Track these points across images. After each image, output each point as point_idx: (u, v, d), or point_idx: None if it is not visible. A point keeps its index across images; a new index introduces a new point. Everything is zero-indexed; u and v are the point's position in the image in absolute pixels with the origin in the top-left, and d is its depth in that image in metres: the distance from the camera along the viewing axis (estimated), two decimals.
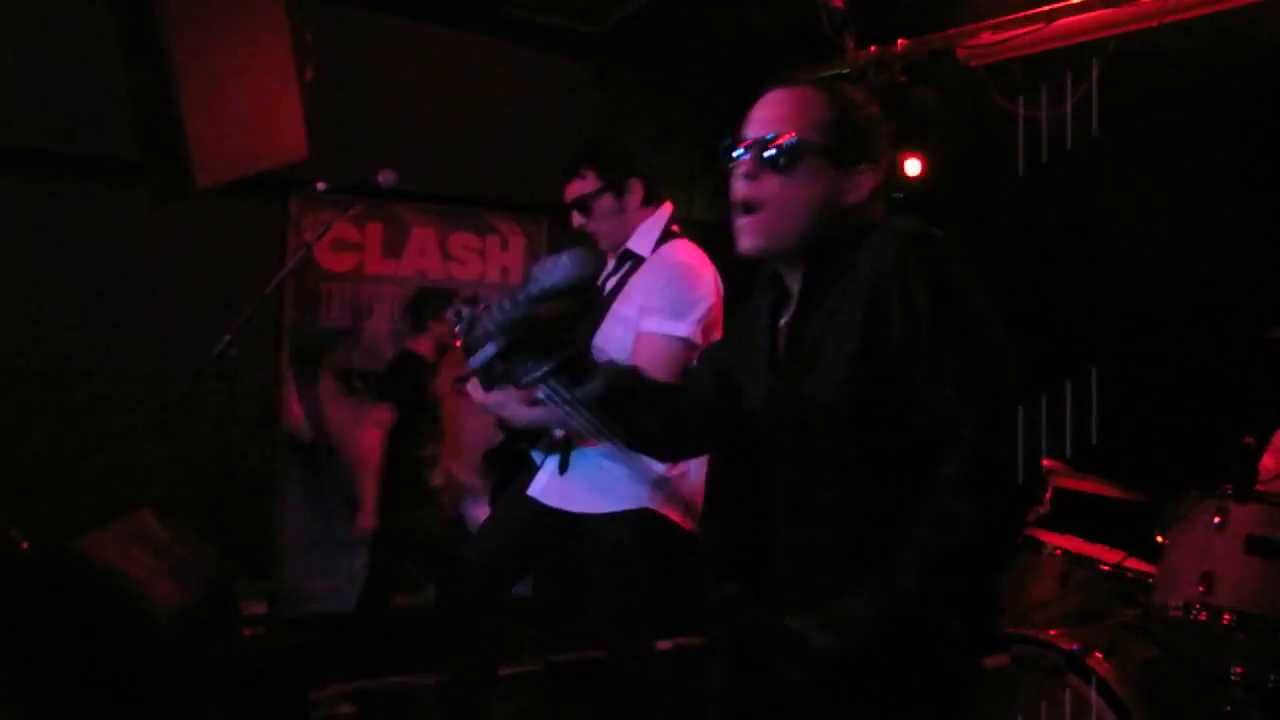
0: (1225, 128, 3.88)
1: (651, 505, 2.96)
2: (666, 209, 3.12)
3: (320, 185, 3.25)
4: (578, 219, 3.10)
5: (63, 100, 3.82)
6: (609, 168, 3.06)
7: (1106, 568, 3.16)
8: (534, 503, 3.07)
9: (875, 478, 1.68)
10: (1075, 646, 2.72)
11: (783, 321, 1.83)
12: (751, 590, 1.83)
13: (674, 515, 2.99)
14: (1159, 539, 2.85)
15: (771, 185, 1.74)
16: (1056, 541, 3.26)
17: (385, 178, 3.21)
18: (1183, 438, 3.50)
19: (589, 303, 1.79)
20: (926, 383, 1.61)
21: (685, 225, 5.33)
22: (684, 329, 2.88)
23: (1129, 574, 3.10)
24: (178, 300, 4.17)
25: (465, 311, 2.80)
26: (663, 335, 2.87)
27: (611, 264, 3.15)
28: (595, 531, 2.99)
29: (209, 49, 3.15)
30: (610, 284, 3.12)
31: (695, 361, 1.85)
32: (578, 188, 3.08)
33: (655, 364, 2.83)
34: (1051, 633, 2.84)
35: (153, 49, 3.03)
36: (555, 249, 5.03)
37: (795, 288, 1.82)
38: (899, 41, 4.44)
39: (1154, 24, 3.76)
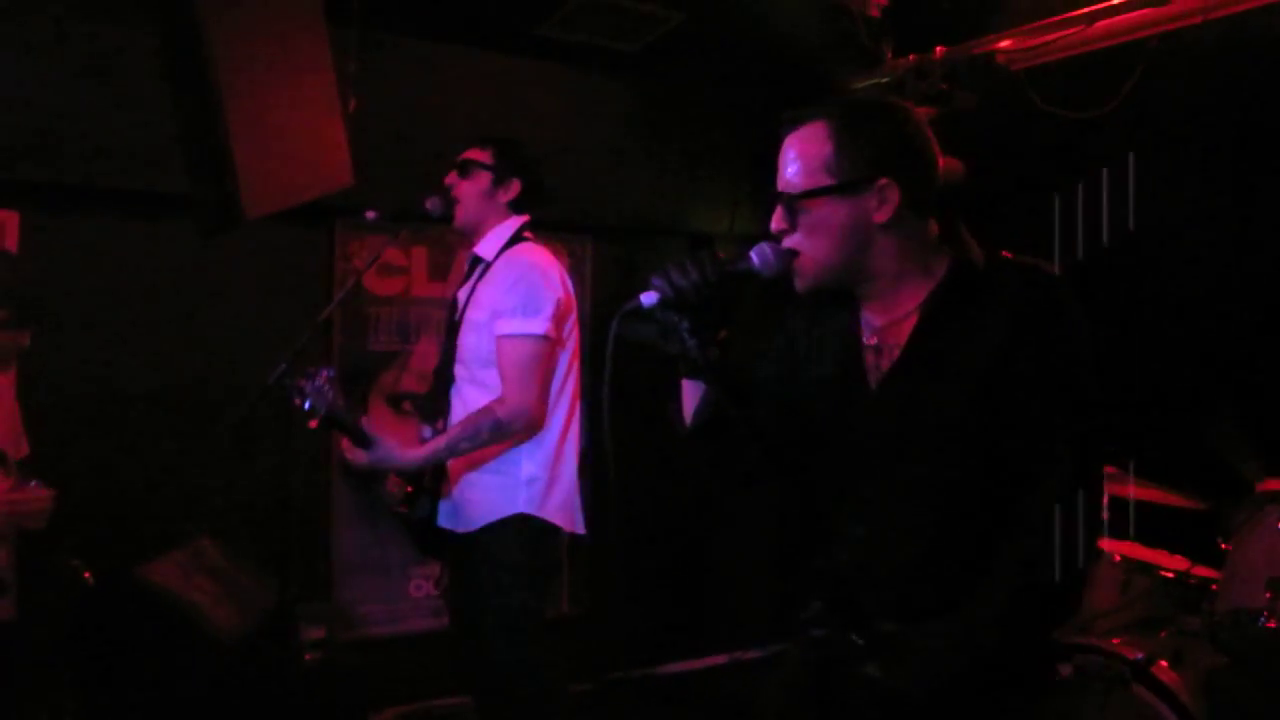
0: (1272, 124, 3.82)
1: (526, 510, 3.10)
2: (522, 218, 3.30)
3: (370, 214, 3.29)
4: (452, 177, 3.30)
5: (113, 137, 3.88)
6: (503, 157, 3.27)
7: (1167, 574, 3.12)
8: (449, 534, 3.22)
9: (969, 500, 1.74)
10: (1140, 655, 2.69)
11: (870, 341, 1.85)
12: (831, 607, 1.84)
13: (549, 518, 3.13)
14: (1222, 545, 2.81)
15: (800, 234, 1.80)
16: (1115, 548, 3.23)
17: (433, 204, 3.26)
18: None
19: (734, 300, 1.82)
20: (1041, 421, 1.70)
21: (728, 240, 5.36)
22: (540, 326, 3.07)
23: (1190, 580, 3.06)
24: (228, 328, 4.22)
25: (308, 387, 2.92)
26: (522, 337, 3.06)
27: (465, 271, 3.36)
28: (477, 546, 3.13)
29: (255, 83, 3.18)
30: (463, 294, 3.29)
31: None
32: (473, 154, 3.30)
33: (521, 367, 3.06)
34: (1115, 641, 2.81)
35: (200, 85, 3.07)
36: (600, 269, 5.09)
37: (873, 309, 1.86)
38: (937, 49, 4.42)
39: (1198, 21, 3.71)
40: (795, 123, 1.82)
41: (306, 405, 2.93)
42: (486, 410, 3.05)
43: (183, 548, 3.68)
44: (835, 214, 1.77)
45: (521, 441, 3.12)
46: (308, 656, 3.88)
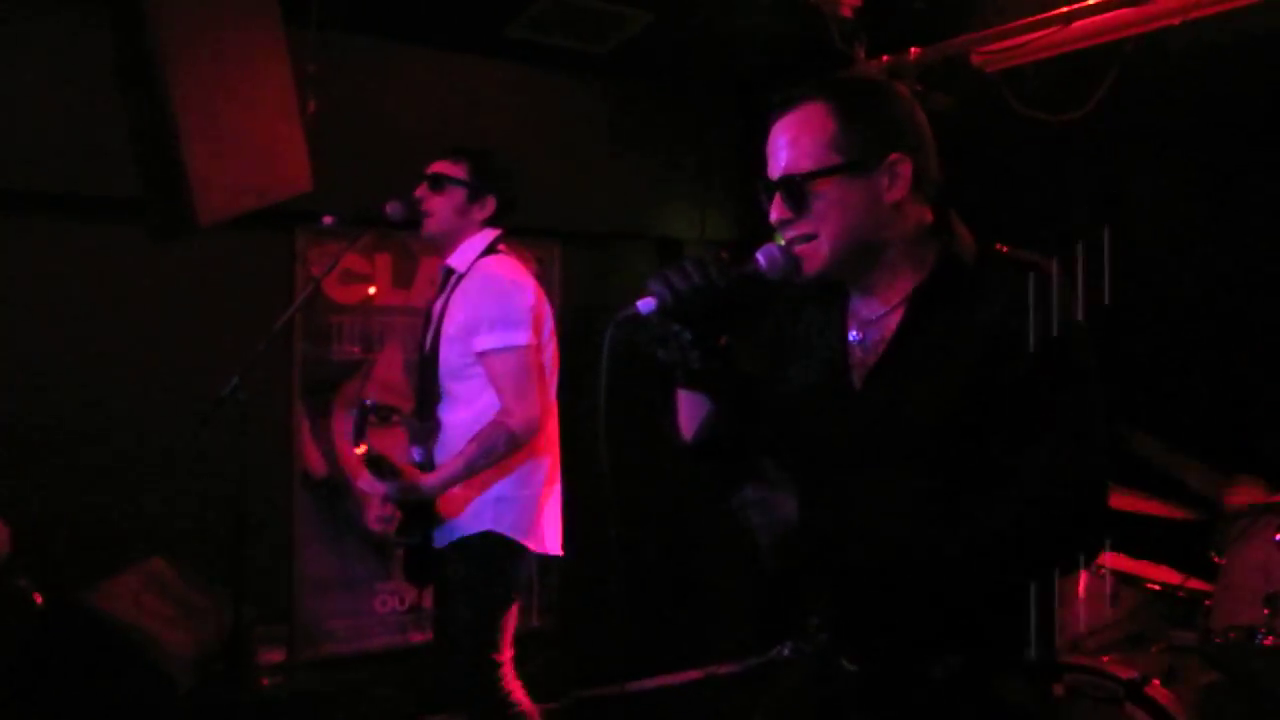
0: (1248, 125, 3.78)
1: (491, 528, 3.09)
2: (496, 231, 3.23)
3: (327, 220, 3.20)
4: (423, 189, 3.19)
5: (62, 140, 3.76)
6: (480, 173, 3.18)
7: (1154, 586, 3.05)
8: (434, 554, 3.19)
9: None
10: (1133, 675, 2.61)
11: (854, 338, 1.75)
12: (825, 623, 1.76)
13: (514, 536, 3.11)
14: (1215, 558, 2.75)
15: (810, 218, 1.68)
16: (1102, 559, 3.15)
17: (393, 209, 3.16)
18: (1233, 451, 3.38)
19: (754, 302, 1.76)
20: (1027, 432, 1.58)
21: (699, 244, 5.28)
22: (523, 336, 3.06)
23: (1180, 594, 2.99)
24: (185, 338, 4.09)
25: (369, 403, 3.00)
26: (508, 349, 3.04)
27: (439, 283, 3.30)
28: (447, 561, 3.14)
29: (209, 83, 3.08)
30: (437, 306, 3.23)
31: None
32: (445, 167, 3.19)
33: (516, 377, 3.05)
34: (1105, 659, 2.73)
35: (152, 85, 2.97)
36: (568, 275, 5.00)
37: (863, 301, 1.76)
38: (912, 50, 4.35)
39: (1175, 22, 3.66)
40: (786, 105, 1.72)
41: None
42: (497, 425, 3.03)
43: (134, 569, 3.56)
44: (848, 195, 1.66)
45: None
46: (264, 681, 3.76)
